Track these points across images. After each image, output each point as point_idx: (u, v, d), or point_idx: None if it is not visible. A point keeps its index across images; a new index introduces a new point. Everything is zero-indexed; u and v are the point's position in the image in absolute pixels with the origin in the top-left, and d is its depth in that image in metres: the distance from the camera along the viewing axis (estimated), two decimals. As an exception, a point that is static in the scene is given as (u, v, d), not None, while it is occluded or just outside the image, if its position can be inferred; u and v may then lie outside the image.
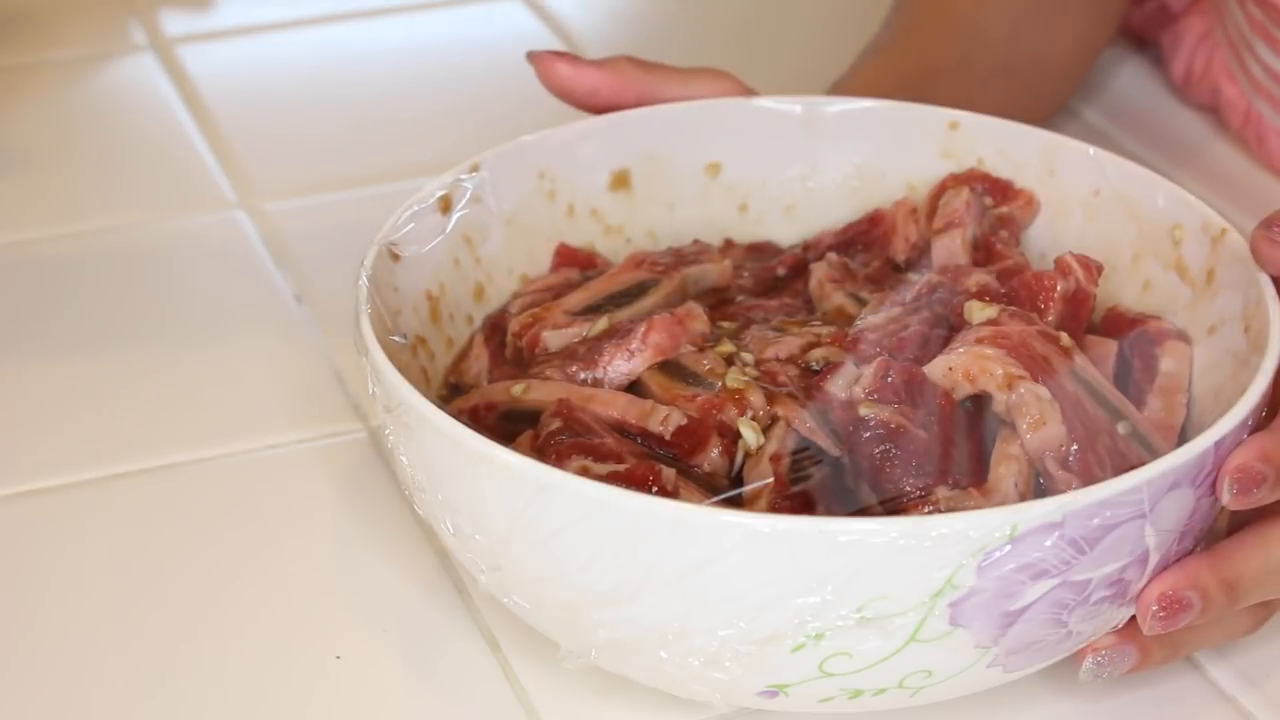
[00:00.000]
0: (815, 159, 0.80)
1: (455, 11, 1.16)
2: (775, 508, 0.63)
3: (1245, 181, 0.97)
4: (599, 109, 0.79)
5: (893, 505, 0.62)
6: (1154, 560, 0.61)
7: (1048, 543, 0.58)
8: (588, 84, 0.78)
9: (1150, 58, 1.05)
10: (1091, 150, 0.77)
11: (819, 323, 0.72)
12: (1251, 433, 0.63)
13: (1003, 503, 0.62)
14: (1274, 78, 0.93)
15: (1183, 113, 1.02)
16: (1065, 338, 0.67)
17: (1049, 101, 0.96)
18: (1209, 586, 0.61)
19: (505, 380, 0.70)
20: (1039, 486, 0.64)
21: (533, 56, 0.78)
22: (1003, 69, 0.92)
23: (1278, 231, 0.67)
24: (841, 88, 0.87)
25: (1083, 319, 0.70)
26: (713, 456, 0.65)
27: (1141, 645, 0.63)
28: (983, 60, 0.91)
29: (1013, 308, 0.67)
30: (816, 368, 0.68)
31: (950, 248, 0.74)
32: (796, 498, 0.63)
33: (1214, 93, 0.99)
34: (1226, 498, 0.61)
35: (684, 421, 0.65)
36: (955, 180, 0.78)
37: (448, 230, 0.74)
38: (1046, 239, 0.78)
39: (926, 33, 0.91)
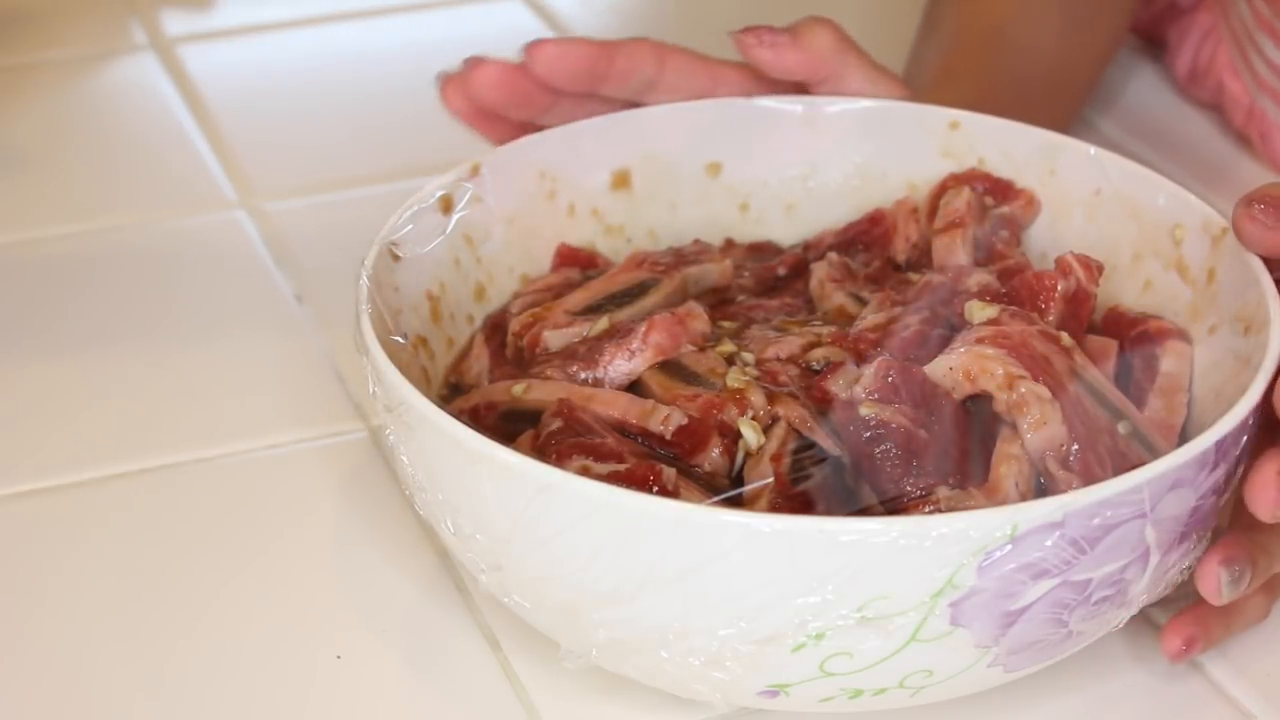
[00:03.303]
0: (816, 158, 0.80)
1: (455, 11, 1.16)
2: (776, 507, 0.63)
3: (1247, 181, 0.96)
4: (795, 89, 0.80)
5: (893, 505, 0.62)
6: (1154, 559, 0.61)
7: (1048, 542, 0.58)
8: (786, 65, 0.78)
9: (1152, 57, 1.05)
10: (1092, 150, 0.77)
11: (819, 322, 0.72)
12: (1251, 435, 0.63)
13: (1003, 502, 0.62)
14: (1278, 73, 0.93)
15: (1184, 112, 1.02)
16: (1066, 337, 0.67)
17: (1076, 114, 0.97)
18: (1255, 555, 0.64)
19: (506, 380, 0.70)
20: (1039, 486, 0.64)
21: (735, 37, 0.78)
22: (1054, 86, 0.92)
23: (1259, 209, 0.67)
24: None
25: (1083, 319, 0.70)
26: (713, 456, 0.65)
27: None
28: (1035, 79, 0.91)
29: (1013, 307, 0.67)
30: (817, 367, 0.68)
31: (951, 247, 0.74)
32: (797, 497, 0.63)
33: (1217, 89, 0.99)
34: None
35: (685, 421, 0.65)
36: (956, 180, 0.78)
37: (448, 230, 0.74)
38: (1047, 239, 0.78)
39: (984, 57, 0.91)
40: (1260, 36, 0.93)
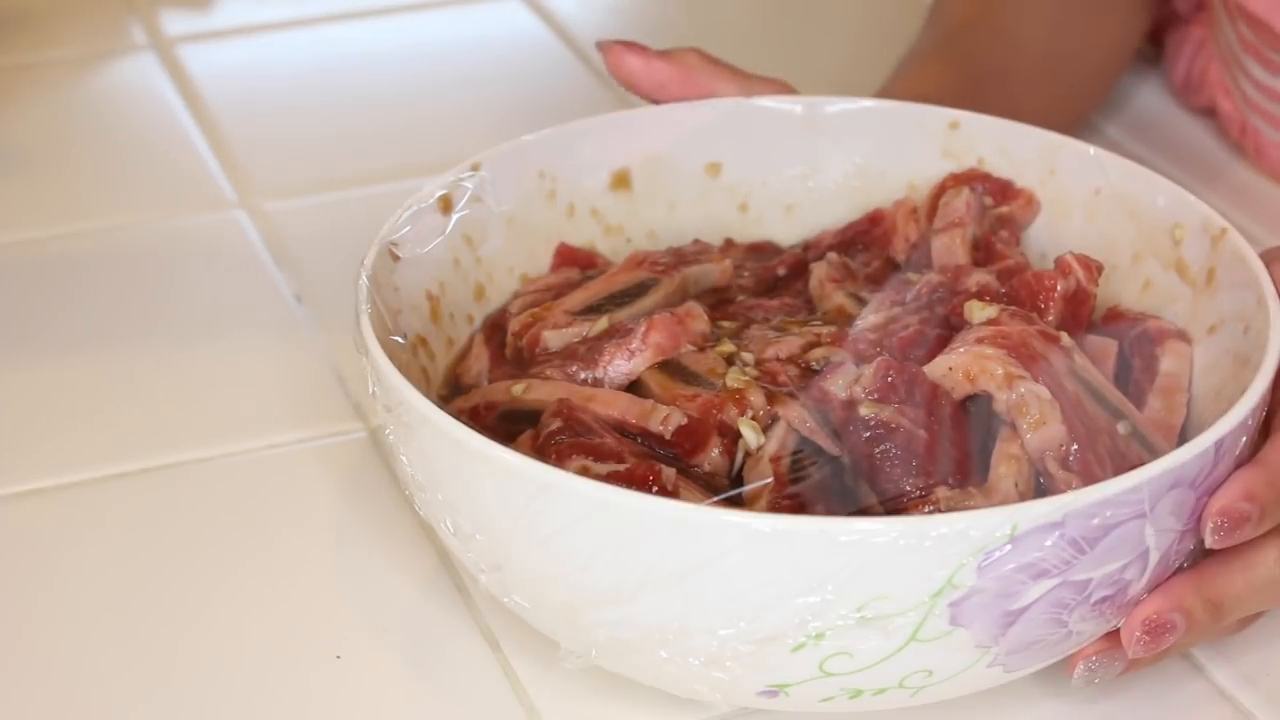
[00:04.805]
0: (816, 158, 0.80)
1: (455, 11, 1.16)
2: (775, 507, 0.63)
3: (1245, 182, 0.97)
4: (664, 101, 0.79)
5: (893, 505, 0.62)
6: (1154, 559, 0.61)
7: (1048, 542, 0.58)
8: (657, 78, 0.78)
9: (1152, 58, 1.05)
10: (1092, 150, 0.77)
11: (819, 322, 0.72)
12: (1251, 435, 0.63)
13: (1003, 502, 0.62)
14: (1267, 94, 0.93)
15: (1183, 113, 1.02)
16: (1065, 337, 0.67)
17: (1089, 102, 0.97)
18: (1193, 608, 0.62)
19: (505, 380, 0.70)
20: (1039, 486, 0.64)
21: (603, 46, 0.78)
22: (1045, 73, 0.92)
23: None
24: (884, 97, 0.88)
25: (1083, 319, 0.70)
26: (713, 456, 0.65)
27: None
28: (1025, 65, 0.91)
29: (1013, 307, 0.67)
30: (817, 367, 0.68)
31: (950, 247, 0.74)
32: (796, 497, 0.63)
33: (1211, 101, 0.99)
34: (1211, 540, 0.61)
35: (684, 421, 0.65)
36: (955, 180, 0.78)
37: (448, 230, 0.74)
38: (1046, 238, 0.78)
39: (968, 39, 0.92)
40: (1245, 58, 0.93)
